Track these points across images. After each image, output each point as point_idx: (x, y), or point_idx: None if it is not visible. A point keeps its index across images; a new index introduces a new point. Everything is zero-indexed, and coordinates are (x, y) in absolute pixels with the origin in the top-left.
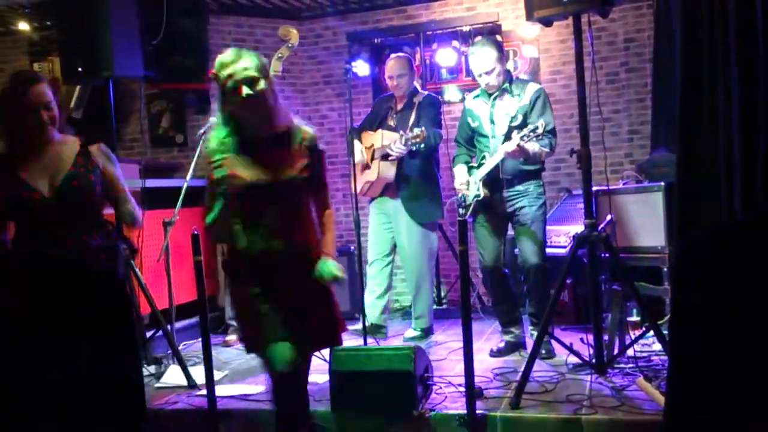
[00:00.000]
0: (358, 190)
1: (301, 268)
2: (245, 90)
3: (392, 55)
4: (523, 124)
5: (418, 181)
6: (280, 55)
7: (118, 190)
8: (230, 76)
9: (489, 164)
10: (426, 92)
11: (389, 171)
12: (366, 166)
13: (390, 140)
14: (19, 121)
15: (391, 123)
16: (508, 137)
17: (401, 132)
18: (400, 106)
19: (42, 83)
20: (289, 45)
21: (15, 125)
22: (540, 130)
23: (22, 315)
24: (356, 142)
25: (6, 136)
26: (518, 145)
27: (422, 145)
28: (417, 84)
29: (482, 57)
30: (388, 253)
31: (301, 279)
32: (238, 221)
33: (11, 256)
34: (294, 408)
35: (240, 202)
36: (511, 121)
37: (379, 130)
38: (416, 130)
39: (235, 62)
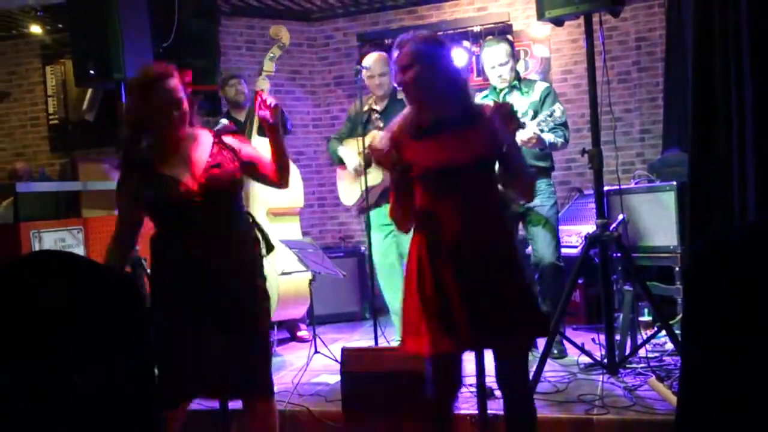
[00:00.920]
0: (354, 201)
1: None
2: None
3: (372, 53)
4: (534, 119)
5: None
6: (272, 54)
7: (261, 160)
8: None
9: None
10: None
11: None
12: (360, 173)
13: None
14: (149, 120)
15: (380, 125)
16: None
17: None
18: (380, 107)
19: (171, 78)
20: (281, 44)
21: (146, 124)
22: (557, 113)
23: (37, 315)
24: (346, 149)
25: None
26: (534, 133)
27: None
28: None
29: (496, 50)
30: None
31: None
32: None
33: (24, 258)
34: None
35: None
36: (521, 117)
37: (372, 132)
38: None
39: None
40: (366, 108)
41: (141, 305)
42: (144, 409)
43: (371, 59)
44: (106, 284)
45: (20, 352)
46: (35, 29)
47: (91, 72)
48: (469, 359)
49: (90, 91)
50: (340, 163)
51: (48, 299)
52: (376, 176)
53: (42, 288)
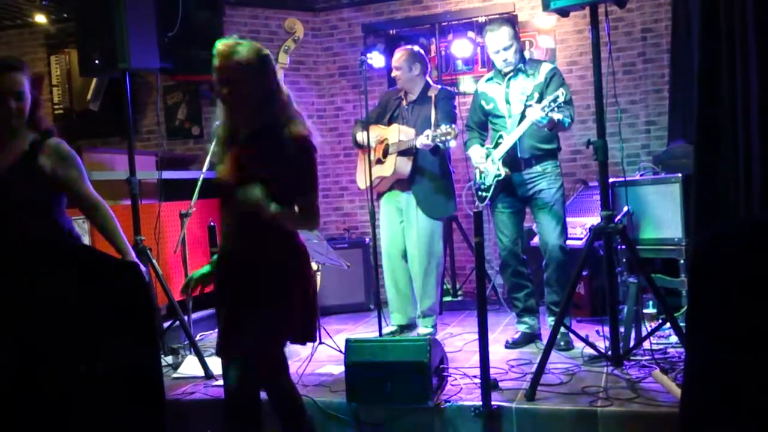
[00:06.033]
0: (366, 185)
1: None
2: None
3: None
4: (540, 102)
5: (433, 176)
6: (286, 47)
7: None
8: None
9: (509, 141)
10: (440, 86)
11: (405, 167)
12: (378, 161)
13: (407, 135)
14: None
15: (404, 116)
16: (524, 116)
17: (428, 130)
18: (410, 99)
19: (16, 71)
20: (295, 37)
21: None
22: (561, 99)
23: (42, 306)
24: (365, 134)
25: None
26: (549, 116)
27: (451, 142)
28: (428, 78)
29: (499, 35)
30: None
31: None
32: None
33: (32, 247)
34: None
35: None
36: (527, 100)
37: (394, 125)
38: (444, 127)
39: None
40: (394, 98)
41: (146, 294)
42: (149, 397)
43: (396, 53)
44: (110, 274)
45: (24, 342)
46: (40, 18)
47: (96, 62)
48: (472, 350)
49: (95, 80)
50: (358, 146)
51: (51, 289)
52: (388, 167)
53: (45, 277)
